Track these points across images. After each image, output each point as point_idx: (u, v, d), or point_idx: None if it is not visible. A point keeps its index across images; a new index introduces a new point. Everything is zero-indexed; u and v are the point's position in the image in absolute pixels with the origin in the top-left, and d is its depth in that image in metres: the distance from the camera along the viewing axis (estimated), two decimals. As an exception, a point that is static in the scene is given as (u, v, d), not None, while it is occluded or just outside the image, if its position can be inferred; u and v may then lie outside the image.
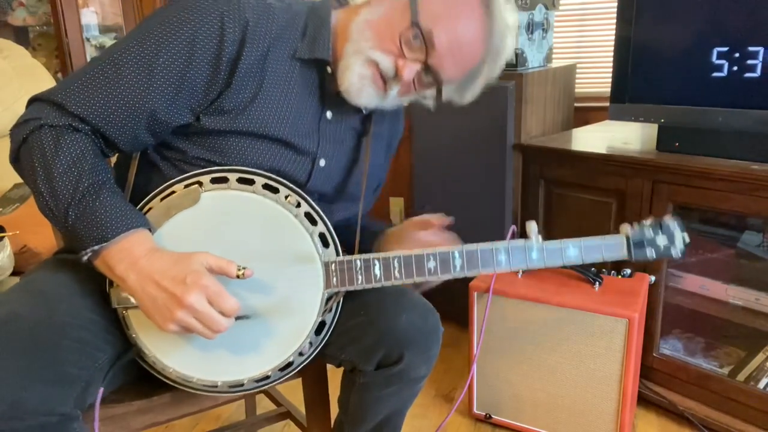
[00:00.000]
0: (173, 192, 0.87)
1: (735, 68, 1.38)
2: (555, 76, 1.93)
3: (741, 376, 1.51)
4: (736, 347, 1.63)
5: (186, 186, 0.87)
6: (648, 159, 1.50)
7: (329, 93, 0.96)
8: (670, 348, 1.65)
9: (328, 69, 0.94)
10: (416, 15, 0.87)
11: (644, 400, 1.62)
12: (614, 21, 1.56)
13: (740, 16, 1.36)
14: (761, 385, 1.46)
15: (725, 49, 1.38)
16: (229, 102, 0.88)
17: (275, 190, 0.88)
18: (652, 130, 1.60)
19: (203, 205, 0.86)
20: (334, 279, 0.90)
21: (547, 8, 1.86)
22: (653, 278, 1.53)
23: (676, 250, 1.01)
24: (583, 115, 2.18)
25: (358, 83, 0.91)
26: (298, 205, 0.89)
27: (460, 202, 1.94)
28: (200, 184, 0.87)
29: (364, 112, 1.01)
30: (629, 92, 1.56)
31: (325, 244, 0.91)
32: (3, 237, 1.67)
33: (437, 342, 0.99)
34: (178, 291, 0.78)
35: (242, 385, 0.91)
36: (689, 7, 1.42)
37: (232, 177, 0.87)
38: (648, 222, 1.01)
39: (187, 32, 0.84)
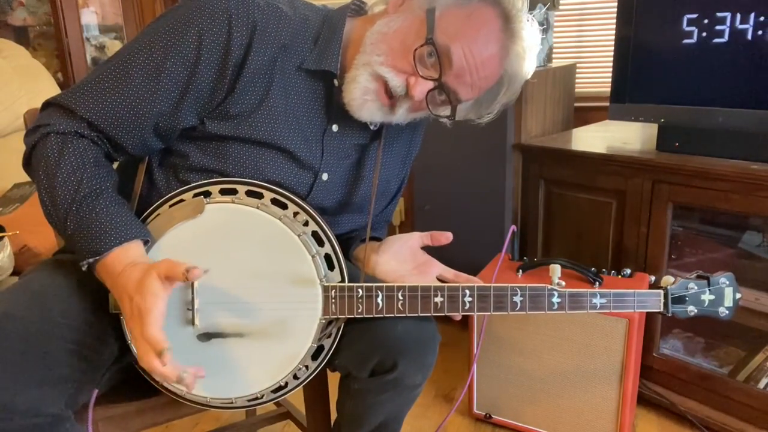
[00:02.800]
0: (182, 200, 0.87)
1: (704, 34, 1.38)
2: (555, 76, 1.93)
3: (741, 376, 1.51)
4: (736, 347, 1.63)
5: (195, 195, 0.86)
6: (648, 159, 1.50)
7: (336, 105, 0.94)
8: (670, 348, 1.65)
9: (335, 82, 0.92)
10: (433, 31, 0.85)
11: (644, 400, 1.62)
12: (614, 21, 1.56)
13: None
14: (761, 385, 1.46)
15: (694, 15, 1.39)
16: (234, 107, 0.87)
17: (283, 206, 0.87)
18: (652, 130, 1.60)
19: (206, 217, 0.84)
20: (333, 306, 0.86)
21: (547, 8, 1.85)
22: (653, 278, 1.52)
23: (724, 309, 0.94)
24: (583, 115, 2.18)
25: (360, 98, 0.89)
26: (306, 223, 0.88)
27: (460, 202, 1.93)
28: (209, 194, 0.86)
29: (372, 127, 0.99)
30: (629, 92, 1.56)
31: (331, 267, 0.88)
32: (3, 237, 1.67)
33: (433, 351, 0.96)
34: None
35: (234, 403, 0.90)
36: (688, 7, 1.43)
37: (241, 189, 0.87)
38: (694, 275, 0.94)
39: (194, 34, 0.83)
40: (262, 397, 0.90)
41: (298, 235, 0.85)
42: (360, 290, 0.87)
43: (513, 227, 1.57)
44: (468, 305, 0.88)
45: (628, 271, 1.50)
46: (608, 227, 1.62)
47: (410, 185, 2.07)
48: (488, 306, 0.89)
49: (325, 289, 0.86)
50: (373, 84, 0.88)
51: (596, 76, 2.25)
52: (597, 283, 1.45)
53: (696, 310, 0.94)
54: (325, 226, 0.89)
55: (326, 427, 1.15)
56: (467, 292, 0.88)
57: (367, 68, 0.88)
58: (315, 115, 0.94)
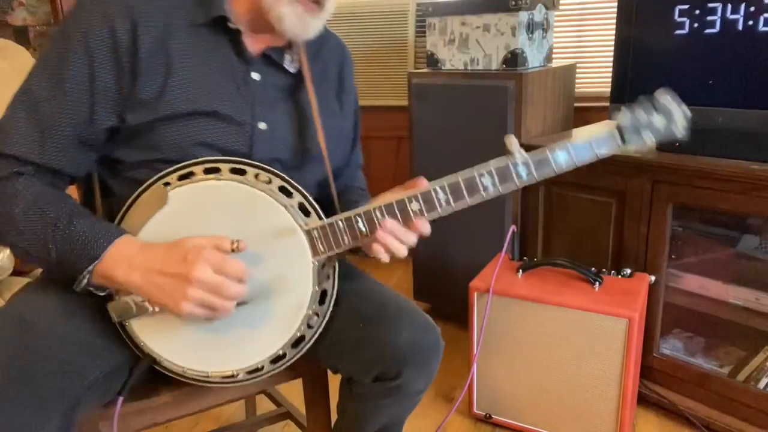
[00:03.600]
0: (142, 198, 0.87)
1: (696, 25, 1.40)
2: (555, 76, 1.93)
3: (741, 376, 1.51)
4: (736, 347, 1.63)
5: (154, 189, 0.87)
6: (648, 159, 1.50)
7: (248, 54, 0.94)
8: (670, 348, 1.65)
9: (230, 25, 0.91)
10: None
11: (644, 400, 1.62)
12: (614, 21, 1.56)
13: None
14: (761, 385, 1.46)
15: (686, 6, 1.40)
16: (145, 91, 0.87)
17: (242, 172, 0.88)
18: (652, 130, 1.60)
19: (175, 203, 0.86)
20: (320, 245, 0.89)
21: (547, 8, 1.86)
22: (653, 278, 1.53)
23: (678, 128, 0.91)
24: (583, 115, 2.18)
25: (298, 23, 0.91)
26: (270, 181, 0.89)
27: (460, 202, 1.93)
28: (168, 184, 0.87)
29: (292, 70, 0.99)
30: (629, 92, 1.56)
31: (306, 213, 0.90)
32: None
33: (437, 358, 0.97)
34: (182, 270, 0.79)
35: (261, 369, 0.91)
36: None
37: (198, 169, 0.87)
38: (642, 104, 0.92)
39: (78, 38, 0.84)
40: (285, 355, 0.92)
41: (266, 192, 0.87)
42: (340, 222, 0.89)
43: (513, 227, 1.57)
44: (444, 202, 0.90)
45: (628, 271, 1.51)
46: (608, 227, 1.62)
47: (410, 185, 2.06)
48: (462, 195, 0.89)
49: (308, 233, 0.88)
50: (298, 5, 0.90)
51: (596, 76, 2.25)
52: (597, 282, 1.45)
53: (653, 137, 0.91)
54: (288, 179, 0.90)
55: (326, 427, 1.15)
56: (438, 189, 0.89)
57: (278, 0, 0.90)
58: (229, 69, 0.93)
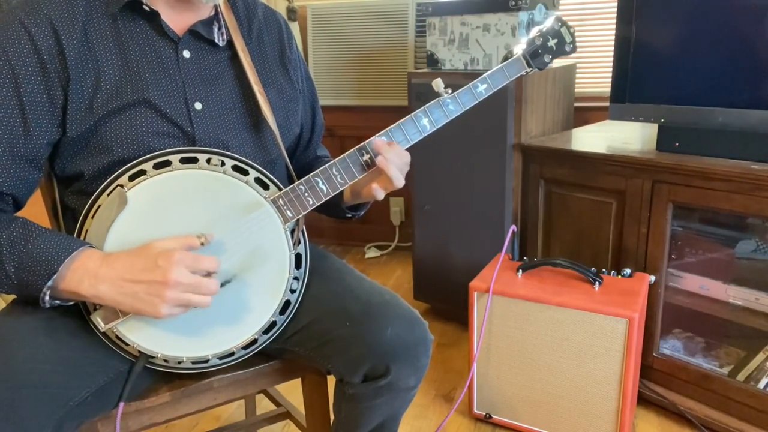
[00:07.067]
0: (100, 206, 0.86)
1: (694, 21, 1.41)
2: (555, 76, 1.93)
3: (741, 376, 1.51)
4: (736, 347, 1.63)
5: (109, 194, 0.86)
6: (648, 159, 1.50)
7: (173, 33, 0.93)
8: (670, 348, 1.65)
9: (146, 8, 0.90)
10: None
11: (644, 400, 1.62)
12: (614, 21, 1.56)
13: None
14: (761, 385, 1.46)
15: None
16: (79, 95, 0.86)
17: (194, 160, 0.88)
18: (652, 130, 1.60)
19: (135, 202, 0.85)
20: (288, 212, 0.93)
21: (547, 8, 1.85)
22: (653, 278, 1.53)
23: (570, 45, 1.11)
24: (583, 115, 2.18)
25: None
26: (223, 164, 0.90)
27: (460, 202, 1.94)
28: (121, 186, 0.86)
29: (220, 43, 0.97)
30: (629, 92, 1.56)
31: (265, 187, 0.92)
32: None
33: (426, 353, 0.97)
34: (157, 276, 0.78)
35: (255, 342, 0.94)
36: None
37: (148, 166, 0.87)
38: (534, 33, 1.10)
39: None
40: (276, 323, 0.95)
41: (223, 173, 0.89)
42: (302, 186, 0.93)
43: (513, 227, 1.57)
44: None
45: (628, 271, 1.50)
46: (608, 227, 1.62)
47: (410, 185, 2.06)
48: (404, 138, 0.98)
49: (273, 202, 0.92)
50: None
51: (596, 76, 2.25)
52: (597, 282, 1.45)
53: (551, 56, 1.10)
54: (238, 156, 0.91)
55: (326, 427, 1.15)
56: (384, 138, 0.97)
57: None
58: (156, 52, 0.92)
